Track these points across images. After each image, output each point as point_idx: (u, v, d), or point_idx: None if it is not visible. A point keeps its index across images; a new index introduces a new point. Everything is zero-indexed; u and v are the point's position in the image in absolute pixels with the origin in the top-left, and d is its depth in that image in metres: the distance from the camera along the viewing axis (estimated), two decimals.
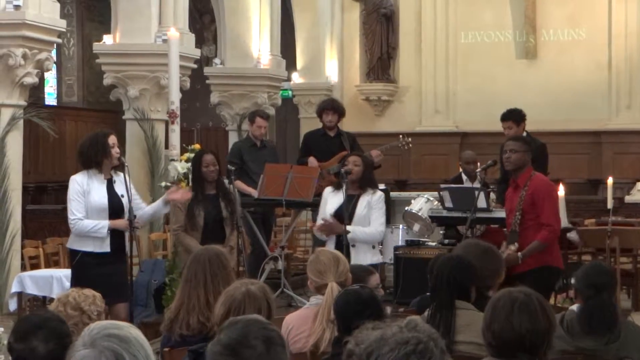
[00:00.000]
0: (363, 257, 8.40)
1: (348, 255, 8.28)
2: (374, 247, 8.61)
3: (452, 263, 5.24)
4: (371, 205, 8.50)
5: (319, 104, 11.75)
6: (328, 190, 8.74)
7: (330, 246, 8.30)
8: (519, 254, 7.59)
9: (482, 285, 5.43)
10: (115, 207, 7.98)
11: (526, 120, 10.37)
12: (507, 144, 7.94)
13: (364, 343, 2.45)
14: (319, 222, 8.72)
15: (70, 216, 7.93)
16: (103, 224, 7.88)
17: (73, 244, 8.11)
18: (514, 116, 10.30)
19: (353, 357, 2.45)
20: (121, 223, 7.96)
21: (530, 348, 3.76)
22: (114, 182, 8.02)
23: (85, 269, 7.93)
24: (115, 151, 7.98)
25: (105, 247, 7.93)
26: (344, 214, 8.40)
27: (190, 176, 9.58)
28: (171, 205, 8.67)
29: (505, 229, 8.27)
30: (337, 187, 8.61)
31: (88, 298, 4.56)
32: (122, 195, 8.02)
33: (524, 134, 10.38)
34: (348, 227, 8.39)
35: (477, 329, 4.54)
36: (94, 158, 7.92)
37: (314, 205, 10.53)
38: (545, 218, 7.65)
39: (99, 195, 7.90)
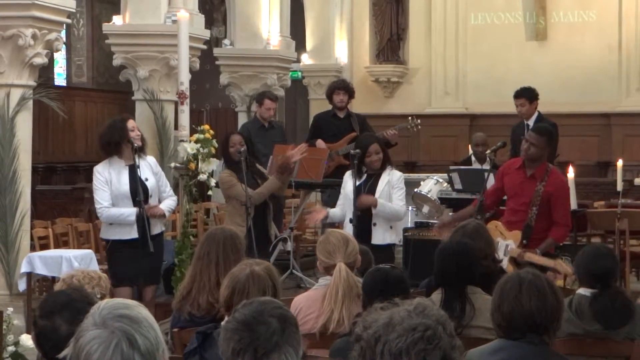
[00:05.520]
0: (382, 236, 8.43)
1: (369, 235, 8.30)
2: (391, 227, 8.61)
3: (455, 251, 5.26)
4: (392, 184, 8.52)
5: (330, 85, 11.74)
6: (348, 174, 8.72)
7: (348, 226, 8.29)
8: (537, 250, 7.57)
9: (484, 266, 5.44)
10: (139, 192, 8.03)
11: (539, 100, 10.38)
12: (529, 135, 7.88)
13: (371, 327, 2.43)
14: (340, 204, 8.65)
15: (97, 205, 8.14)
16: (130, 212, 8.02)
17: (104, 233, 8.39)
18: (527, 94, 10.36)
19: (361, 342, 2.44)
20: (157, 211, 8.11)
21: (540, 328, 3.76)
22: (138, 166, 8.08)
23: (117, 252, 8.18)
24: (136, 134, 8.09)
25: (133, 234, 8.05)
26: (361, 193, 8.41)
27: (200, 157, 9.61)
28: (229, 183, 8.92)
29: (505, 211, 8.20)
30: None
31: (93, 279, 4.51)
32: (147, 179, 8.10)
33: (536, 114, 10.39)
34: (378, 199, 8.38)
35: (485, 313, 4.55)
36: (114, 143, 8.01)
37: (323, 186, 10.53)
38: (562, 218, 7.74)
39: (121, 182, 8.06)
